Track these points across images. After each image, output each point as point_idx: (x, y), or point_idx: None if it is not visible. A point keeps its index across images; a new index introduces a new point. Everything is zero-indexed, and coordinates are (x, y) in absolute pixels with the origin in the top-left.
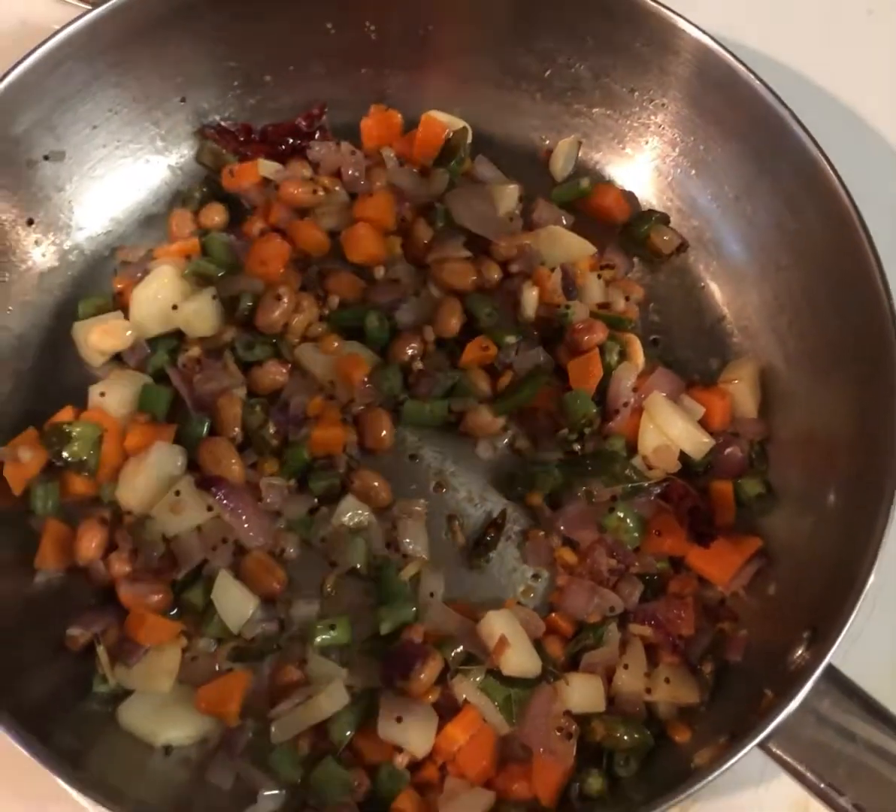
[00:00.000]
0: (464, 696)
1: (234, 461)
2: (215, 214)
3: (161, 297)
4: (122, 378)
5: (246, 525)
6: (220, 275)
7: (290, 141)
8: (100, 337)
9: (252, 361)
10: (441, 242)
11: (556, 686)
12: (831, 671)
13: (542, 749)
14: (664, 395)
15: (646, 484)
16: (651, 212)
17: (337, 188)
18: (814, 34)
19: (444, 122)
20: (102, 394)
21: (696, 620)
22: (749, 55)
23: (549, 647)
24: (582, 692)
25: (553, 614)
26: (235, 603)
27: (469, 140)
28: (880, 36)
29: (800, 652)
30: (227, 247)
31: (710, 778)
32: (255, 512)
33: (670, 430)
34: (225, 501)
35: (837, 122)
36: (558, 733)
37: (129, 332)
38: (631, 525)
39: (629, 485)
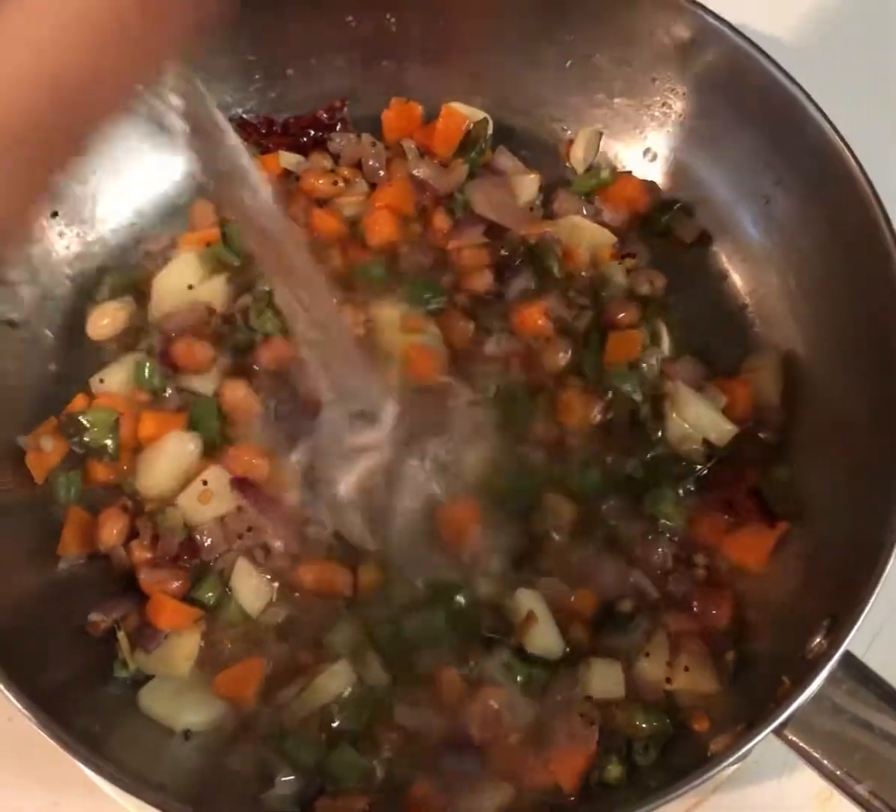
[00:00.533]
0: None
1: (257, 460)
2: None
3: (178, 279)
4: (119, 362)
5: (273, 528)
6: (236, 264)
7: (312, 133)
8: (97, 319)
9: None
10: (460, 230)
11: (577, 670)
12: (849, 659)
13: (564, 735)
14: (687, 383)
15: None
16: (672, 202)
17: (357, 179)
18: (829, 17)
19: (464, 113)
20: (101, 380)
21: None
22: (765, 40)
23: (572, 630)
24: (602, 677)
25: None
26: (253, 590)
27: (490, 131)
28: None
29: (818, 640)
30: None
31: (723, 764)
32: (282, 516)
33: (694, 418)
34: (252, 505)
35: (858, 107)
36: (581, 718)
37: (123, 314)
38: (678, 511)
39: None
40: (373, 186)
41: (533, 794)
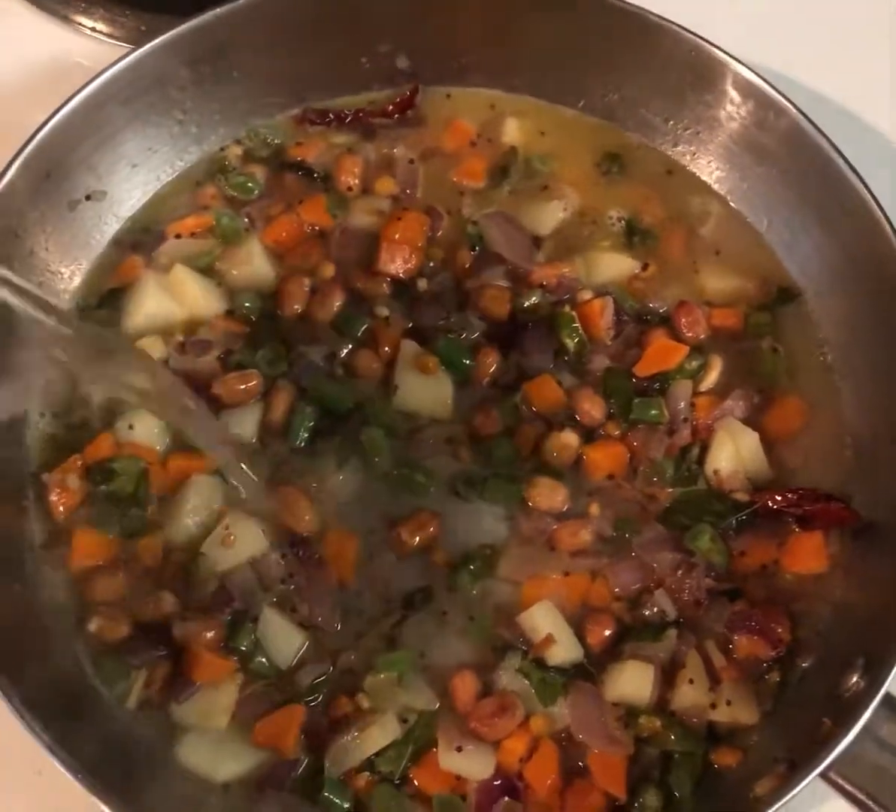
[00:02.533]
0: (502, 684)
1: (305, 511)
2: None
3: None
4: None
5: (311, 593)
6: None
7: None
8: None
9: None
10: (479, 269)
11: (606, 674)
12: (888, 696)
13: (603, 743)
14: (738, 417)
15: (747, 510)
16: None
17: (387, 190)
18: (843, 57)
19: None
20: (131, 426)
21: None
22: (782, 81)
23: (590, 637)
24: (631, 679)
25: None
26: (283, 641)
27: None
28: None
29: (855, 678)
30: (235, 223)
31: (773, 808)
32: (325, 589)
33: (744, 453)
34: (301, 566)
35: (868, 144)
36: (616, 722)
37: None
38: (722, 546)
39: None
40: (396, 199)
41: None
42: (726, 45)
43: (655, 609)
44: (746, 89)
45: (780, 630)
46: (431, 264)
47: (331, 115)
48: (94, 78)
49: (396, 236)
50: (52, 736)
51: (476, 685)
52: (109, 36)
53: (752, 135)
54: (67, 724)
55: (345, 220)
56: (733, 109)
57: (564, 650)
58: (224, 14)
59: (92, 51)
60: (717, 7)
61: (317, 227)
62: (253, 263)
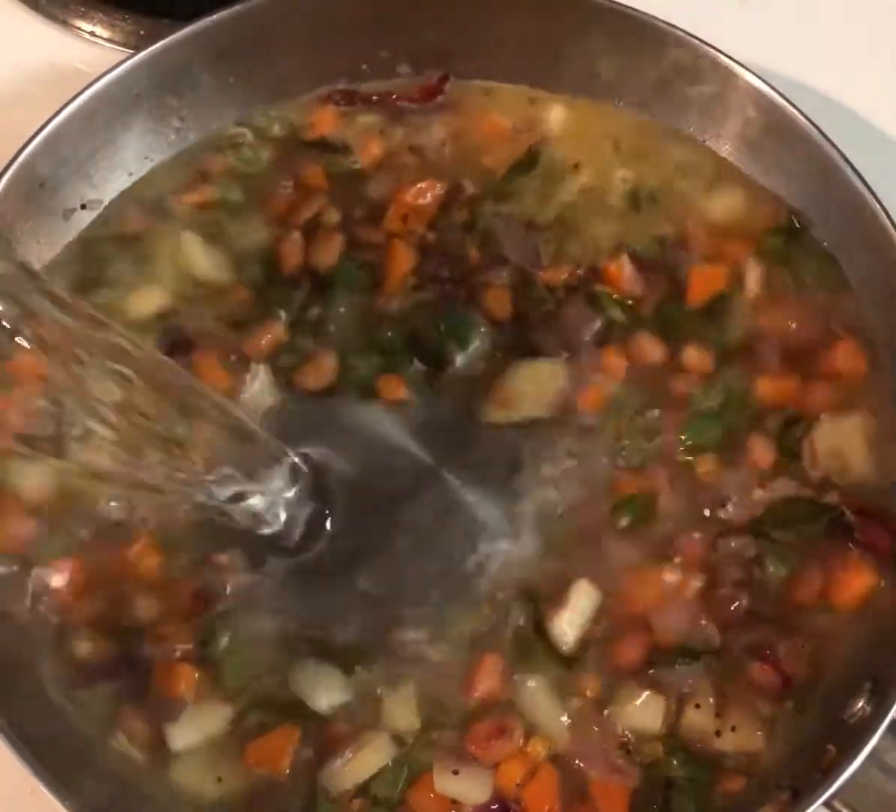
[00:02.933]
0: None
1: None
2: None
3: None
4: None
5: None
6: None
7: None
8: None
9: None
10: (487, 267)
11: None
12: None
13: (604, 770)
14: None
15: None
16: None
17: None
18: (852, 62)
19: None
20: None
21: None
22: (784, 84)
23: (619, 656)
24: (637, 709)
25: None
26: None
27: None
28: None
29: (860, 704)
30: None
31: None
32: None
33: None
34: None
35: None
36: (619, 750)
37: None
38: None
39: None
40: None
41: None
42: (732, 51)
43: (700, 635)
44: (752, 96)
45: (797, 657)
46: (442, 223)
47: (357, 98)
48: (88, 86)
49: (409, 199)
50: (36, 757)
51: (502, 670)
52: (109, 40)
53: (757, 142)
54: (55, 749)
55: (358, 187)
56: (739, 116)
57: (568, 625)
58: (223, 19)
59: (91, 55)
60: (722, 12)
61: (323, 190)
62: (253, 234)
